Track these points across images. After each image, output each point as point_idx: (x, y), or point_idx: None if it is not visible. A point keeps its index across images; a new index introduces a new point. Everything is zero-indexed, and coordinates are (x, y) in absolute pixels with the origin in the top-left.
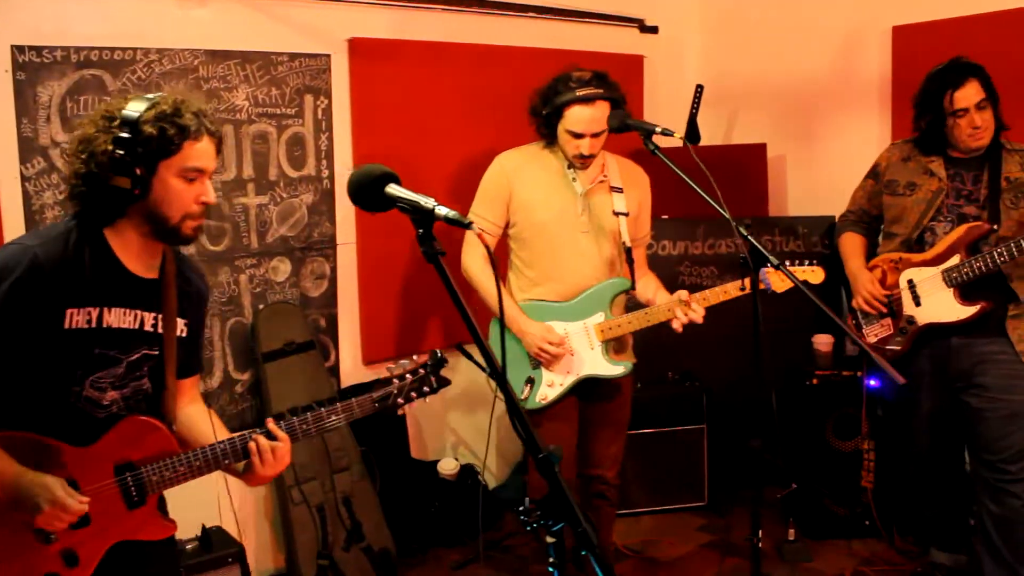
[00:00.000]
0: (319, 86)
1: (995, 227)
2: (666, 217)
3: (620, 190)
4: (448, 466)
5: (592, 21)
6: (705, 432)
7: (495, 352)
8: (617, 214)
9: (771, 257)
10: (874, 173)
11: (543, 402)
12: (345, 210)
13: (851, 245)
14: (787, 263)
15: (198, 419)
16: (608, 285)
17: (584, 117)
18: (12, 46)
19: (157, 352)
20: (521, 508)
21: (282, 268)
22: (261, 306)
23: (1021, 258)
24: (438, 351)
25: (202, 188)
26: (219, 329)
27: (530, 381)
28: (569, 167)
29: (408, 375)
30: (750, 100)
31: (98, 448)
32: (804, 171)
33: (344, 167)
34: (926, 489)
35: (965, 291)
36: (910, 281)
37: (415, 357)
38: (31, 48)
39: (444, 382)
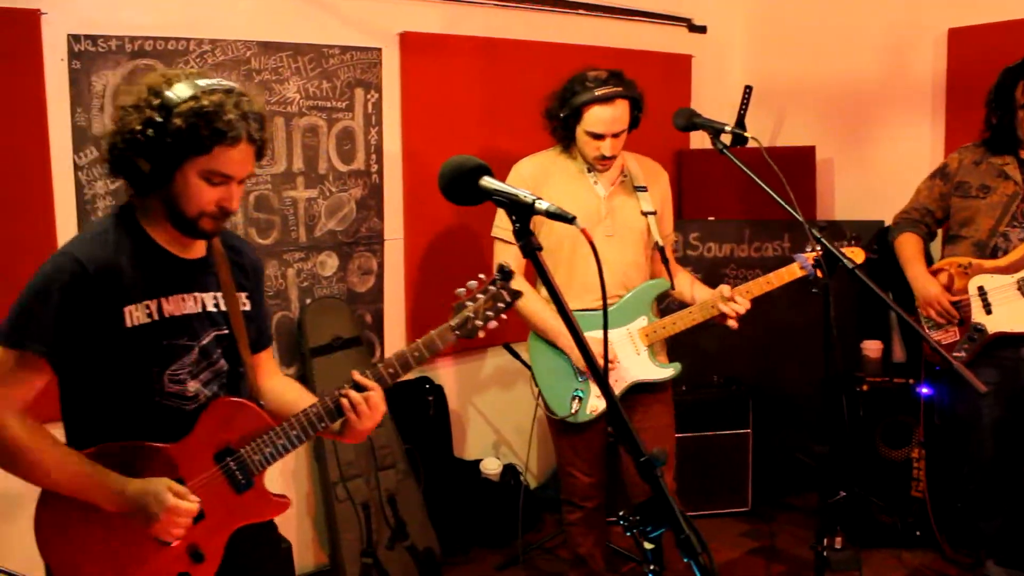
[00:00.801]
0: (370, 80)
1: None
2: (712, 219)
3: (644, 188)
4: (491, 466)
5: (641, 19)
6: (750, 437)
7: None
8: (645, 214)
9: (846, 261)
10: (943, 174)
11: (594, 414)
12: (393, 205)
13: (911, 247)
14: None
15: (284, 390)
16: (647, 287)
17: (604, 117)
18: (68, 35)
19: (226, 331)
20: (621, 513)
21: (329, 263)
22: (308, 300)
23: None
24: (503, 264)
25: (225, 193)
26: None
27: (577, 395)
28: (589, 170)
29: (480, 295)
30: (798, 101)
31: (193, 440)
32: (853, 175)
33: (393, 162)
34: (986, 501)
35: None
36: (980, 288)
37: (481, 276)
38: (87, 37)
39: (516, 294)
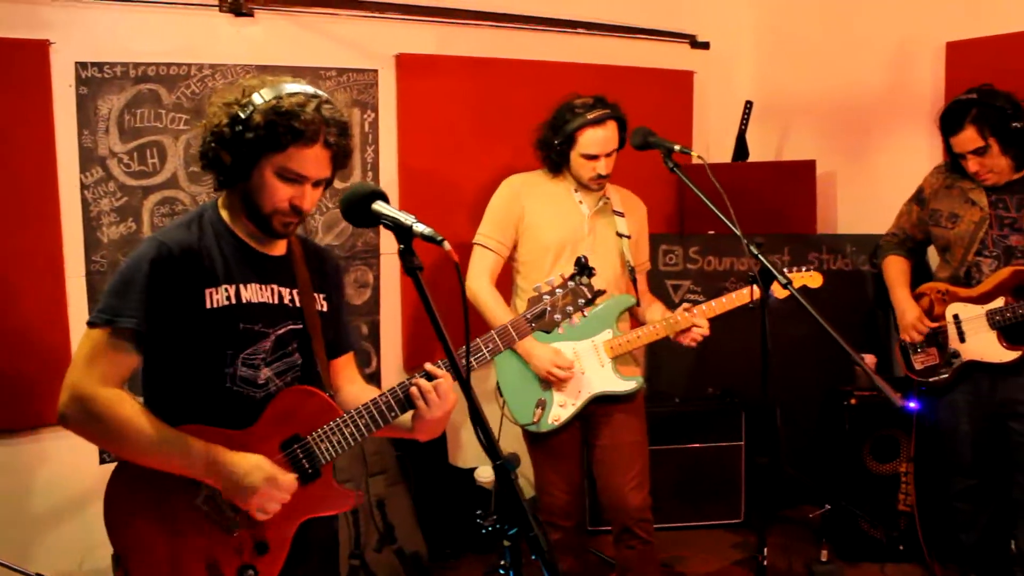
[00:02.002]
0: (366, 100)
1: None
2: (712, 233)
3: (622, 214)
4: (485, 474)
5: (642, 37)
6: (743, 449)
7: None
8: (620, 235)
9: (779, 275)
10: (919, 199)
11: (556, 423)
12: None
13: (896, 271)
14: (786, 270)
15: (361, 393)
16: (614, 302)
17: (598, 138)
18: (76, 62)
19: (302, 326)
20: (479, 512)
21: None
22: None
23: None
24: (583, 257)
25: (299, 192)
26: None
27: (541, 404)
28: (576, 190)
29: (559, 290)
30: (800, 116)
31: (261, 427)
32: (854, 189)
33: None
34: (967, 514)
35: (1009, 333)
36: (955, 316)
37: (562, 274)
38: (93, 64)
39: (599, 293)
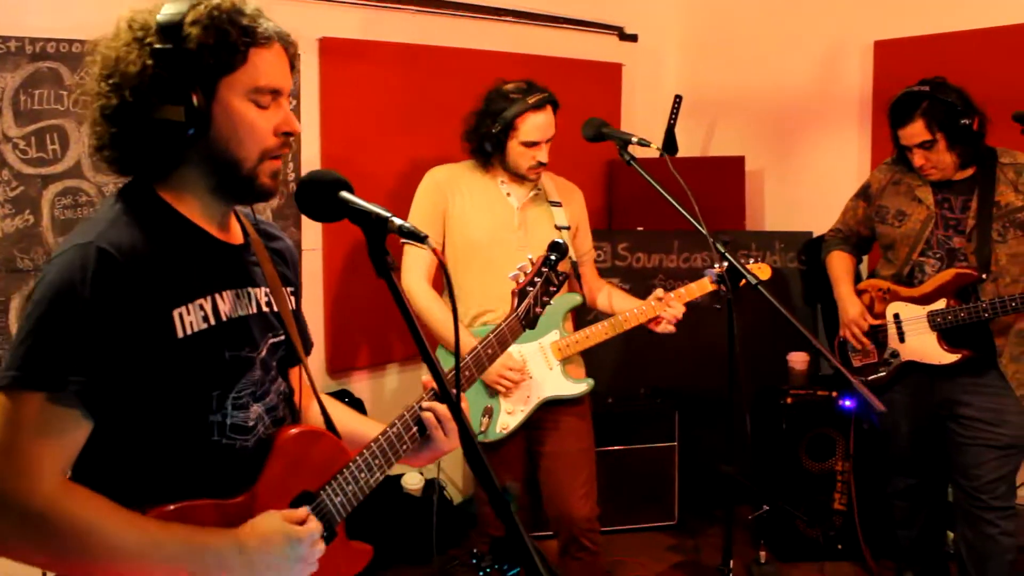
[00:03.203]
0: None
1: (983, 276)
2: (641, 229)
3: (559, 204)
4: (412, 481)
5: (571, 27)
6: (676, 450)
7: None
8: (559, 228)
9: (749, 275)
10: (865, 195)
11: (504, 432)
12: None
13: (840, 267)
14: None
15: (333, 409)
16: (559, 301)
17: (539, 124)
18: None
19: (283, 336)
20: (474, 552)
21: None
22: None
23: (1006, 317)
24: (560, 241)
25: (282, 113)
26: None
27: (488, 412)
28: (503, 182)
29: (536, 280)
30: (729, 112)
31: (262, 490)
32: (782, 185)
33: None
34: (905, 512)
35: (948, 335)
36: (896, 315)
37: (531, 258)
38: None
39: (564, 278)
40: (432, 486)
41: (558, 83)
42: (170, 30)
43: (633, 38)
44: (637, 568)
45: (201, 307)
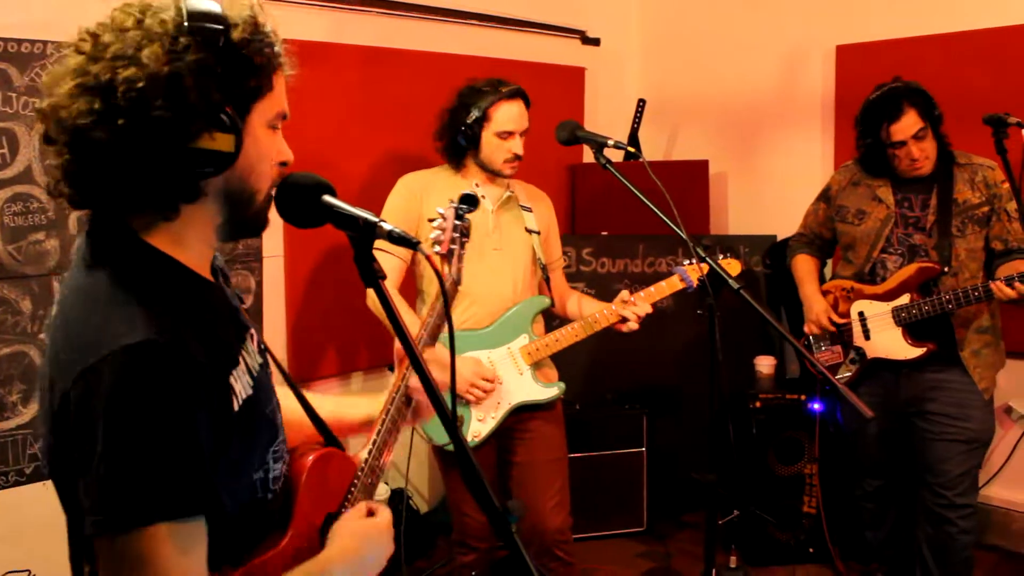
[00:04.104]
0: None
1: (945, 269)
2: (606, 234)
3: (529, 209)
4: (378, 491)
5: (533, 31)
6: (644, 456)
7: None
8: (529, 231)
9: (730, 280)
10: (825, 197)
11: (476, 439)
12: (273, 221)
13: (804, 268)
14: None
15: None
16: (526, 305)
17: (513, 113)
18: None
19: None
20: (474, 573)
21: None
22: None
23: (968, 307)
24: (476, 194)
25: (281, 142)
26: None
27: (459, 421)
28: (476, 185)
29: (456, 235)
30: (692, 116)
31: (298, 528)
32: (746, 189)
33: None
34: (873, 513)
35: (913, 330)
36: (861, 313)
37: (441, 212)
38: None
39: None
40: (399, 496)
41: (522, 86)
42: (219, 39)
43: (596, 42)
44: (607, 575)
45: (239, 366)
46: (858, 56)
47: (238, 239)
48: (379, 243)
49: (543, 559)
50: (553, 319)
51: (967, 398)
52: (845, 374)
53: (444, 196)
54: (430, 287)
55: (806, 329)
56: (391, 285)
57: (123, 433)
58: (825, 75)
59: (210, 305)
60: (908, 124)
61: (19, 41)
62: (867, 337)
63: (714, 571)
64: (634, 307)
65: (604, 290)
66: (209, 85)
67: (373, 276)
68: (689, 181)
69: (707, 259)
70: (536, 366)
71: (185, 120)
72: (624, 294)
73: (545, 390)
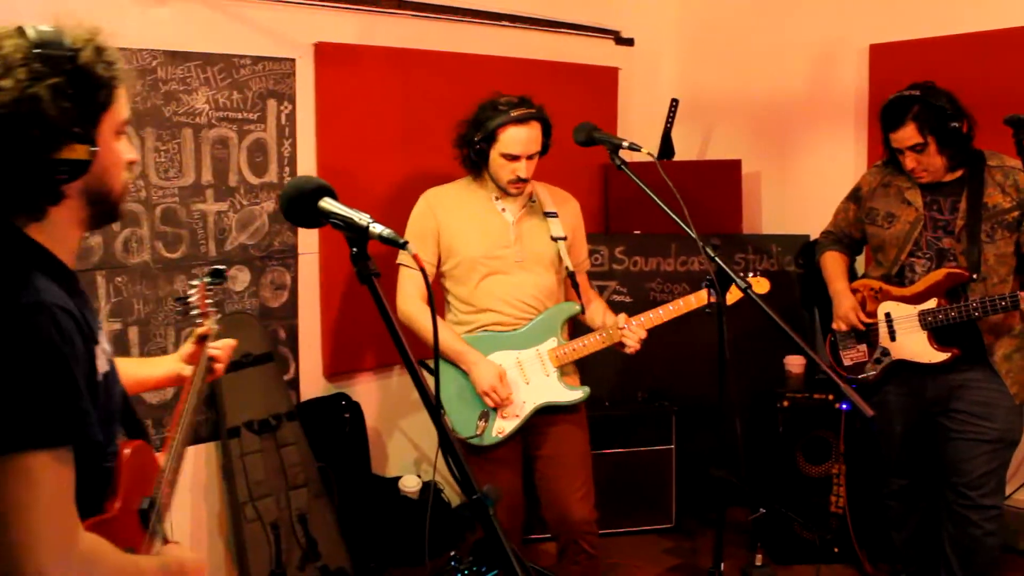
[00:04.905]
0: (283, 91)
1: (974, 276)
2: (638, 233)
3: (555, 215)
4: (410, 483)
5: (567, 31)
6: (673, 453)
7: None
8: (555, 239)
9: (737, 279)
10: (856, 197)
11: (500, 436)
12: None
13: (834, 265)
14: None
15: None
16: (558, 310)
17: (520, 138)
18: None
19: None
20: (453, 553)
21: (241, 277)
22: (218, 316)
23: (995, 316)
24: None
25: (127, 145)
26: (174, 338)
27: (484, 416)
28: (497, 198)
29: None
30: (725, 116)
31: (122, 503)
32: (778, 189)
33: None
34: (898, 512)
35: (939, 334)
36: (888, 314)
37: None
38: None
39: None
40: (430, 489)
41: (556, 88)
42: (69, 62)
43: (630, 42)
44: (634, 571)
45: (102, 351)
46: (892, 55)
47: (102, 227)
48: (402, 258)
49: (569, 550)
50: (579, 326)
51: (993, 398)
52: (870, 372)
53: (458, 210)
54: (454, 296)
55: (834, 325)
56: (420, 298)
57: (20, 368)
58: (859, 74)
59: (77, 290)
60: (905, 136)
61: None
62: (893, 338)
63: (740, 569)
64: (627, 335)
65: (636, 288)
66: (65, 103)
67: (367, 274)
68: (722, 180)
69: (715, 259)
70: (562, 369)
71: (46, 136)
72: (622, 318)
73: (570, 392)
